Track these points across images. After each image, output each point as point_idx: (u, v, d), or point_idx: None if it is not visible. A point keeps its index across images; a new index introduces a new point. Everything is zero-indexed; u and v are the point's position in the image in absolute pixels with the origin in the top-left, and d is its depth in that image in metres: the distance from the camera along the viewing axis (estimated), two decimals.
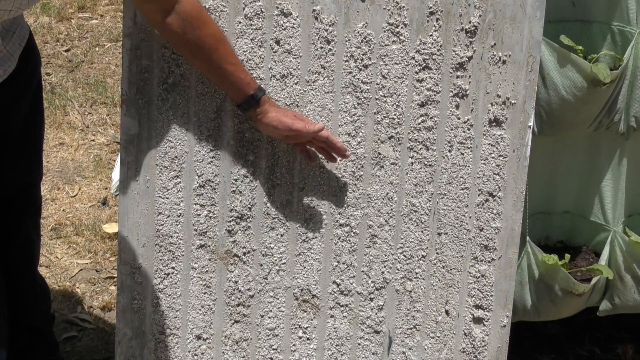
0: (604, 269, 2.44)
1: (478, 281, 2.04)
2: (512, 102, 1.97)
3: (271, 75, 1.92)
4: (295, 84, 1.93)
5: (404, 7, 1.91)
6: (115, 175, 2.97)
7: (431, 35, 1.93)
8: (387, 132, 1.97)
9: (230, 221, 1.98)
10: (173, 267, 2.00)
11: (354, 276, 2.03)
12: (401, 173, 1.99)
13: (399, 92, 1.95)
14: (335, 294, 2.04)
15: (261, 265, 2.01)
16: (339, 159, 1.96)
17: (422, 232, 2.02)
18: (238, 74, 1.86)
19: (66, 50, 4.56)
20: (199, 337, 2.04)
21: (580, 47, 2.32)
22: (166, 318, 2.02)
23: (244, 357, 2.06)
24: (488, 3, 1.92)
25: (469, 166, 1.99)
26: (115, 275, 2.40)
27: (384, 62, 1.93)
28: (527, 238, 2.40)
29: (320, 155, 1.96)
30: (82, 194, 3.53)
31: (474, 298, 2.05)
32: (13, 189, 2.24)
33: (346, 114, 1.95)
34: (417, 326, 2.07)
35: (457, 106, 1.97)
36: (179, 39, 1.83)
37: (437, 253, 2.03)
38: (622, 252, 2.46)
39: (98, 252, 3.20)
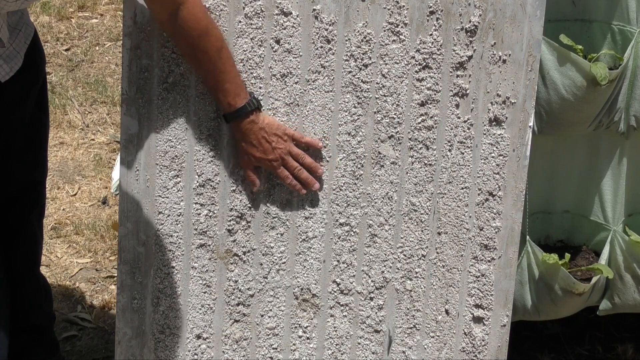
0: (604, 269, 2.44)
1: (478, 280, 2.04)
2: (512, 101, 1.97)
3: (271, 74, 1.92)
4: (296, 83, 1.93)
5: (404, 6, 1.91)
6: (115, 174, 2.97)
7: (431, 34, 1.93)
8: (387, 131, 1.97)
9: (230, 220, 1.98)
10: (173, 267, 2.00)
11: (353, 275, 2.03)
12: (401, 172, 1.99)
13: (399, 91, 1.95)
14: (335, 293, 2.04)
15: (261, 264, 2.01)
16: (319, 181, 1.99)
17: (422, 231, 2.02)
18: (217, 94, 1.86)
19: (66, 50, 4.57)
20: (199, 337, 2.04)
21: (580, 47, 2.31)
22: (166, 318, 2.02)
23: (244, 356, 2.06)
24: (488, 2, 1.92)
25: (469, 165, 1.99)
26: (115, 275, 2.40)
27: (384, 61, 1.93)
28: (527, 237, 2.40)
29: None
30: (82, 193, 3.53)
31: (474, 297, 2.05)
32: (18, 187, 2.25)
33: (346, 113, 1.95)
34: (417, 325, 2.07)
35: (457, 105, 1.97)
36: (177, 41, 1.85)
37: (437, 252, 2.03)
38: (622, 251, 2.46)
39: (98, 251, 3.20)
